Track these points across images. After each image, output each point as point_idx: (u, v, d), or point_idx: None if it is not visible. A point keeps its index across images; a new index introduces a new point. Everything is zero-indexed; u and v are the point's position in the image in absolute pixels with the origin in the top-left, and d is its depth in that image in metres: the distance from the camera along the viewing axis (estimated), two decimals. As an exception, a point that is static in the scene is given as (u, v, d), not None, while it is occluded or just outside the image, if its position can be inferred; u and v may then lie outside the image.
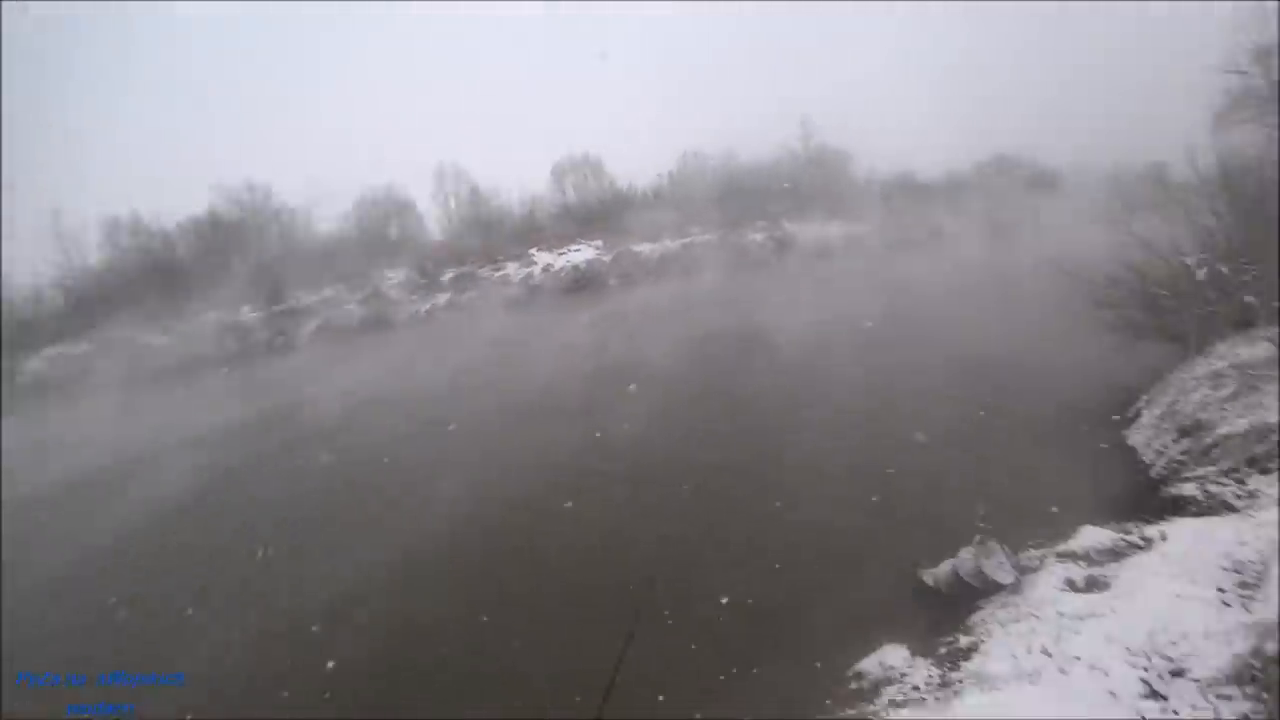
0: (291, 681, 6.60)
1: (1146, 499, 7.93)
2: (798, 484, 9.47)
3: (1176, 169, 13.61)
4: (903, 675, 5.59)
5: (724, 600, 7.06)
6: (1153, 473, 8.70)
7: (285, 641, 7.34)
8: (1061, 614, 5.40)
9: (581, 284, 35.11)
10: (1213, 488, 7.30)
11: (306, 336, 33.25)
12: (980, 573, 6.46)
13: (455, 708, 6.00)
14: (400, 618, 7.57)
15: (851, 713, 5.27)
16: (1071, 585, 6.04)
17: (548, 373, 17.80)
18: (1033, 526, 7.40)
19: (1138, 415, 10.24)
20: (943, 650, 5.73)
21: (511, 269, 37.54)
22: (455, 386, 18.49)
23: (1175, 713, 4.34)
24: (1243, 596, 5.07)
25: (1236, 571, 5.39)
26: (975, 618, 6.07)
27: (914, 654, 5.84)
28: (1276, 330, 8.40)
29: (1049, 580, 6.17)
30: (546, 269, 36.80)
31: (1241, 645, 4.43)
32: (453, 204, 46.64)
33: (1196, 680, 4.38)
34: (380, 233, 43.59)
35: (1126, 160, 25.82)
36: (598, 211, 43.35)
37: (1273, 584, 4.88)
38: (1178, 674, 4.62)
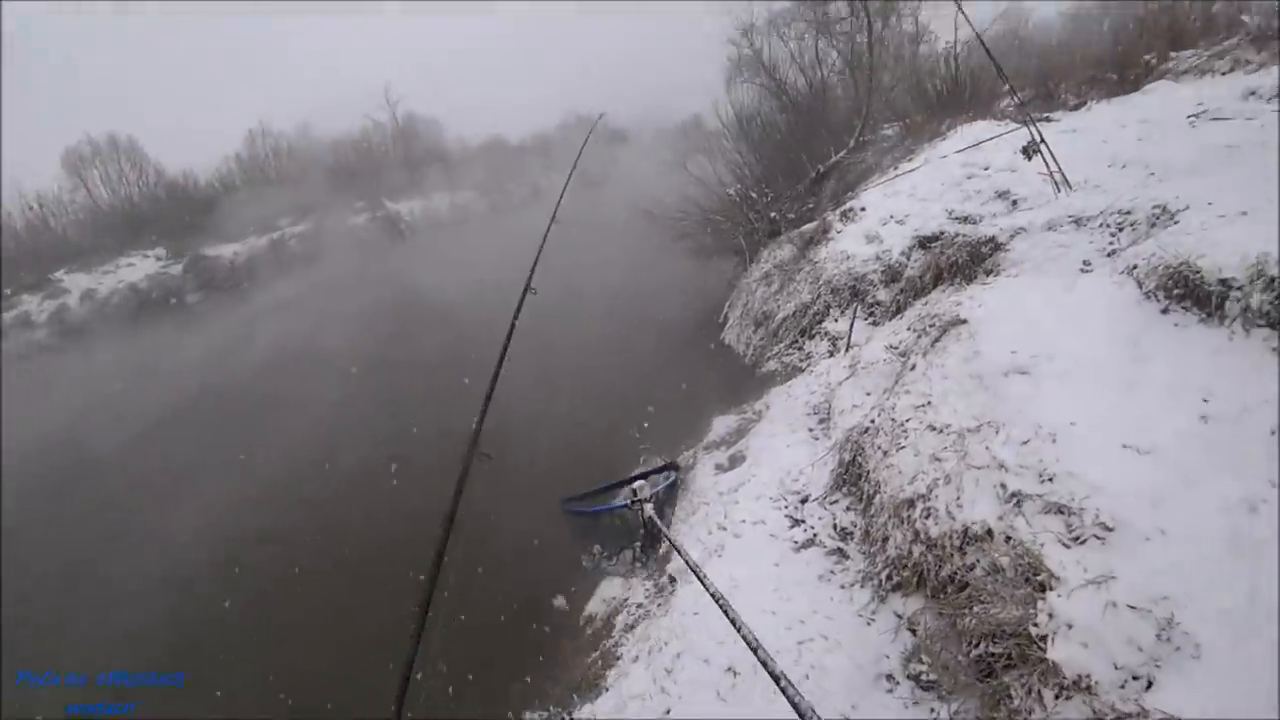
0: None
1: (749, 381, 9.98)
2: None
3: (709, 120, 17.54)
4: (624, 601, 6.17)
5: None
6: (746, 360, 11.01)
7: None
8: (720, 493, 6.49)
9: (148, 307, 26.80)
10: (785, 359, 9.58)
11: None
12: (594, 555, 7.30)
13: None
14: None
15: (595, 654, 5.63)
16: (720, 468, 7.30)
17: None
18: (685, 430, 8.78)
19: (726, 318, 12.81)
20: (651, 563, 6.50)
21: (31, 306, 25.48)
22: None
23: (811, 529, 5.60)
24: (822, 428, 6.83)
25: (815, 413, 7.22)
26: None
27: (628, 578, 6.48)
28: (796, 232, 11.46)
29: (704, 471, 7.36)
30: (89, 297, 26.55)
31: (831, 463, 5.98)
32: None
33: (816, 499, 5.77)
34: None
35: (676, 115, 31.48)
36: (149, 212, 33.11)
37: (835, 415, 6.68)
38: (804, 500, 5.96)
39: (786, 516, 5.90)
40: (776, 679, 1.48)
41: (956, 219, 8.26)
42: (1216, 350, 3.48)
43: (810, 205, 13.50)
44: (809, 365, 8.84)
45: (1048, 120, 9.63)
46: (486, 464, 2.61)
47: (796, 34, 16.37)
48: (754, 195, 13.19)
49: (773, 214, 13.00)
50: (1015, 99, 8.48)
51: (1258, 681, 2.36)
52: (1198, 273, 3.79)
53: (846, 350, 7.92)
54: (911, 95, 15.10)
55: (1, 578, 8.72)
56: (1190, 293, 3.81)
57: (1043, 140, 6.68)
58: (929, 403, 4.55)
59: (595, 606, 6.32)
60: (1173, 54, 10.84)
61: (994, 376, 4.11)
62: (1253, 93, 7.83)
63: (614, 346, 13.35)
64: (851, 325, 8.08)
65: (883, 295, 8.52)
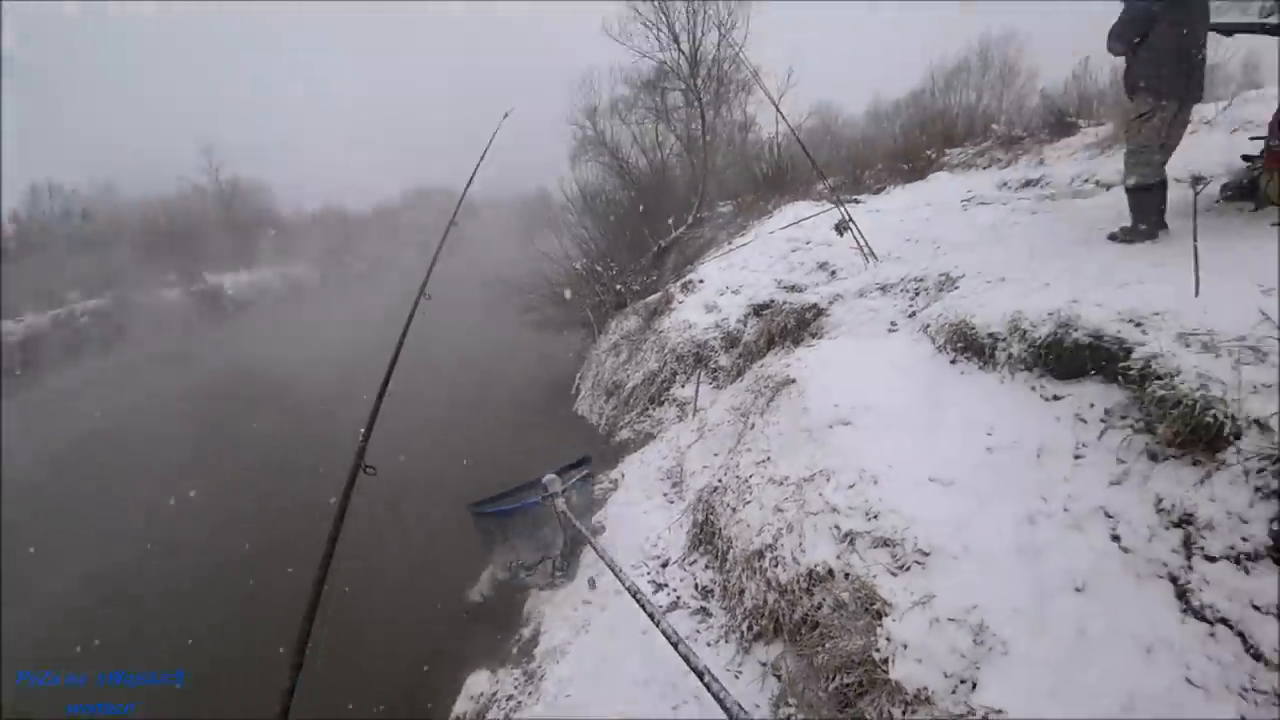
0: None
1: (605, 450, 10.11)
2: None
3: (556, 195, 18.37)
4: (494, 695, 5.80)
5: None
6: (600, 429, 11.18)
7: None
8: (583, 565, 6.45)
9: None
10: (637, 426, 9.87)
11: None
12: (509, 566, 7.14)
13: None
14: None
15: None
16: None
17: None
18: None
19: (578, 389, 12.99)
20: (515, 650, 6.17)
21: None
22: None
23: (674, 591, 5.68)
24: (676, 492, 7.05)
25: (668, 477, 7.46)
26: (527, 605, 6.71)
27: (495, 670, 6.11)
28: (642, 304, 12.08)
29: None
30: None
31: (687, 524, 6.17)
32: None
33: (676, 561, 5.89)
34: None
35: (523, 189, 32.33)
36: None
37: (687, 477, 6.94)
38: (665, 564, 6.05)
39: (650, 582, 5.94)
40: (700, 674, 1.52)
41: (785, 288, 9.15)
42: (992, 393, 4.15)
43: (654, 277, 14.32)
44: (660, 431, 9.15)
45: (855, 201, 11.08)
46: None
47: (638, 118, 17.89)
48: (599, 269, 13.75)
49: (618, 286, 13.60)
50: (827, 184, 9.77)
51: (1055, 665, 2.76)
52: (973, 329, 4.53)
53: (694, 414, 8.33)
54: (742, 177, 16.86)
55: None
56: (970, 345, 4.53)
57: (851, 219, 7.71)
58: (768, 458, 4.92)
59: (463, 705, 5.86)
60: (947, 150, 13.06)
61: (821, 429, 4.55)
62: (1004, 184, 9.69)
63: (470, 422, 13.11)
64: (697, 390, 8.54)
65: (724, 360, 9.13)
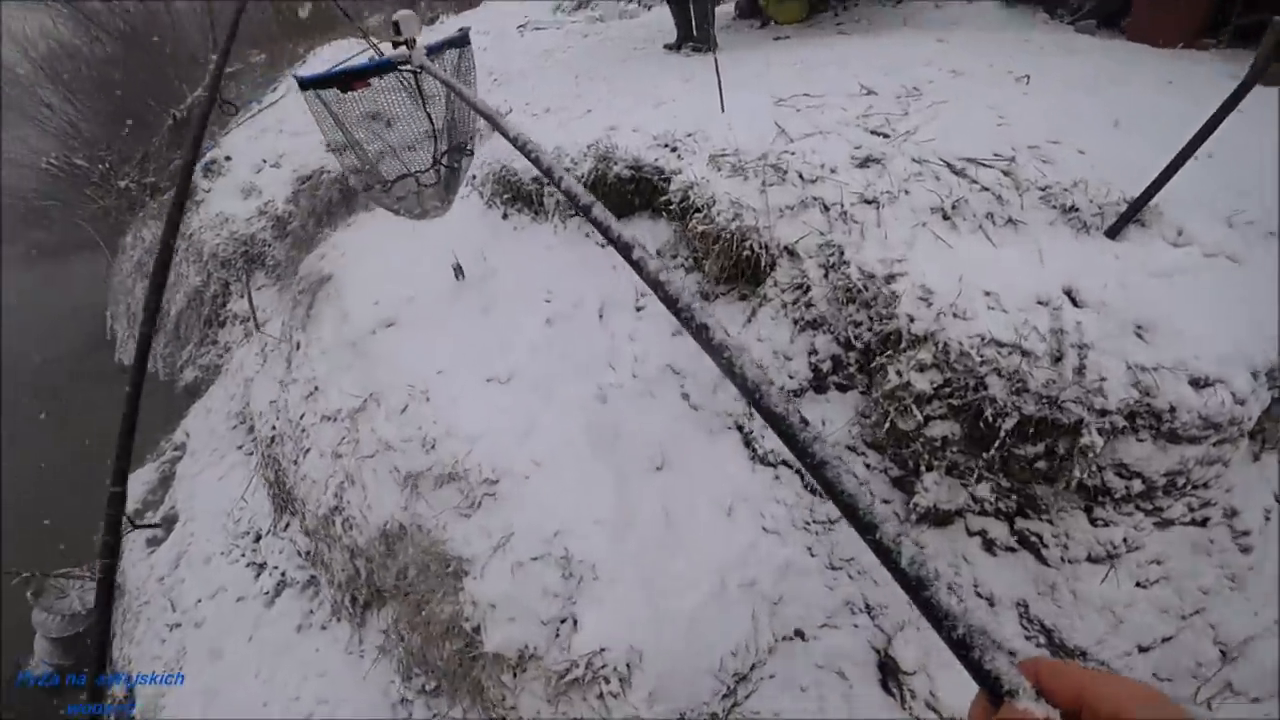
0: None
1: (173, 402, 7.65)
2: None
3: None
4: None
5: None
6: (162, 376, 8.45)
7: None
8: (161, 579, 4.83)
9: None
10: (201, 361, 7.54)
11: None
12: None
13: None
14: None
15: None
16: (152, 544, 5.38)
17: None
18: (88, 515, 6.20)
19: (114, 333, 9.61)
20: None
21: None
22: None
23: (277, 569, 4.46)
24: (253, 440, 5.48)
25: (243, 422, 5.75)
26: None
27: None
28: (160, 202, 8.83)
29: (135, 558, 5.30)
30: None
31: (263, 486, 4.80)
32: None
33: (269, 530, 4.59)
34: None
35: None
36: None
37: (257, 420, 5.39)
38: (258, 537, 4.76)
39: (247, 566, 4.66)
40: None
41: (334, 149, 7.36)
42: (549, 247, 3.50)
43: (177, 160, 10.72)
44: (226, 362, 7.13)
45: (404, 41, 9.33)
46: None
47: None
48: (82, 163, 9.76)
49: (123, 183, 9.90)
50: (360, 24, 7.79)
51: (644, 571, 2.39)
52: (516, 175, 3.75)
53: (257, 329, 6.50)
54: (277, 21, 13.06)
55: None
56: (518, 195, 3.77)
57: (380, 53, 6.06)
58: (317, 388, 3.72)
59: None
60: None
61: (364, 338, 3.49)
62: (559, 8, 8.90)
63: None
64: (250, 300, 6.64)
65: (280, 252, 7.21)
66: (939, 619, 0.44)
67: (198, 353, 7.76)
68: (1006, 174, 2.30)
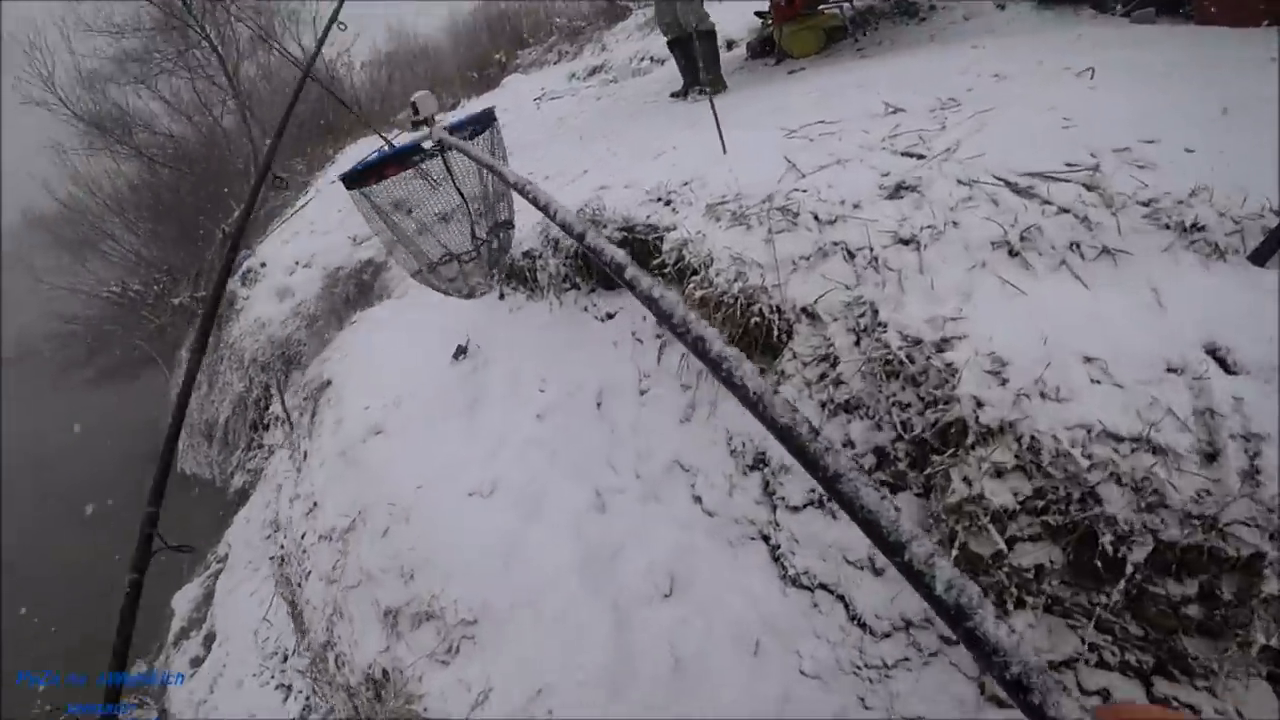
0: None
1: (224, 507, 7.62)
2: None
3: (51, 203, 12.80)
4: None
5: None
6: (217, 483, 8.50)
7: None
8: (200, 702, 4.53)
9: None
10: (249, 466, 7.51)
11: None
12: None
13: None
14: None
15: None
16: (195, 663, 5.16)
17: None
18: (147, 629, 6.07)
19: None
20: None
21: None
22: None
23: (301, 693, 4.13)
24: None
25: (275, 531, 5.54)
26: None
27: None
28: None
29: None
30: None
31: (281, 606, 4.47)
32: None
33: (295, 648, 4.24)
34: None
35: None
36: None
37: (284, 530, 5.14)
38: (285, 657, 4.38)
39: (276, 688, 4.31)
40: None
41: (355, 241, 7.38)
42: (544, 326, 3.09)
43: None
44: (268, 466, 7.02)
45: (427, 124, 9.60)
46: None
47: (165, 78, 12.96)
48: (139, 287, 10.22)
49: (177, 300, 10.31)
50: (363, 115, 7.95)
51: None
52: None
53: (291, 430, 6.35)
54: (304, 128, 13.75)
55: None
56: (512, 272, 3.41)
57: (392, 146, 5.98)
58: (315, 504, 3.37)
59: None
60: (519, 52, 12.25)
61: (355, 447, 3.12)
62: (574, 75, 8.97)
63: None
64: (284, 405, 6.52)
65: (313, 350, 7.16)
66: (987, 655, 0.39)
67: (245, 457, 7.73)
68: (1090, 188, 1.73)
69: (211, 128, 13.13)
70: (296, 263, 7.65)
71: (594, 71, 8.34)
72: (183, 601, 6.20)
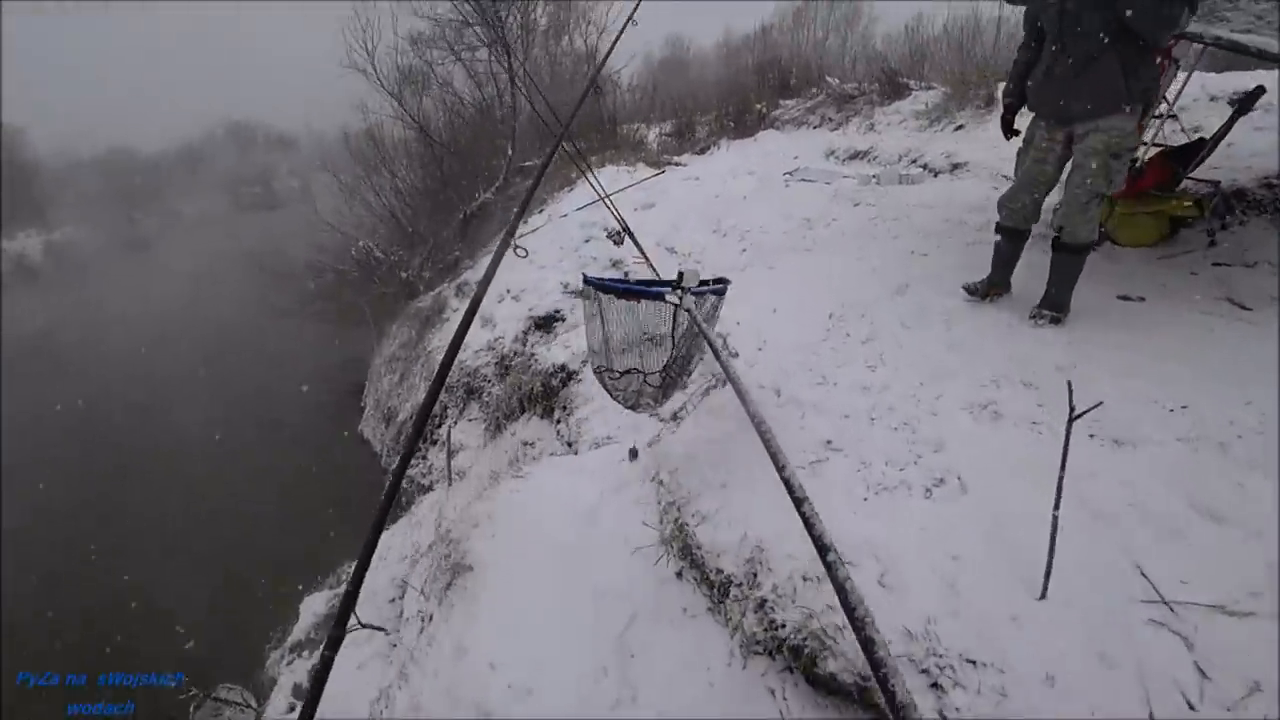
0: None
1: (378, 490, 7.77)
2: None
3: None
4: None
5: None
6: (382, 460, 8.82)
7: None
8: None
9: None
10: (412, 469, 7.62)
11: None
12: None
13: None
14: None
15: None
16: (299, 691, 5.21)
17: None
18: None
19: (365, 405, 10.38)
20: None
21: None
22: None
23: None
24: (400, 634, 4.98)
25: (398, 596, 5.34)
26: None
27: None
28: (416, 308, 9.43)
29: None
30: None
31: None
32: None
33: None
34: None
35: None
36: None
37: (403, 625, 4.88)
38: None
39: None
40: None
41: (571, 293, 7.03)
42: (714, 681, 2.26)
43: (456, 254, 11.53)
44: (425, 493, 6.97)
45: (677, 165, 9.41)
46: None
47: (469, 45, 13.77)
48: (379, 255, 10.89)
49: (404, 274, 10.86)
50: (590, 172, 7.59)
51: None
52: (699, 545, 2.59)
53: (449, 484, 6.18)
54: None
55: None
56: (695, 564, 2.59)
57: (625, 228, 5.19)
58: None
59: None
60: (781, 102, 11.56)
61: (460, 709, 2.52)
62: (832, 151, 8.12)
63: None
64: (449, 452, 6.39)
65: (499, 391, 6.93)
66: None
67: (413, 460, 7.85)
68: None
69: (488, 105, 13.54)
70: (507, 290, 7.43)
71: (856, 156, 7.23)
72: (308, 612, 6.15)
